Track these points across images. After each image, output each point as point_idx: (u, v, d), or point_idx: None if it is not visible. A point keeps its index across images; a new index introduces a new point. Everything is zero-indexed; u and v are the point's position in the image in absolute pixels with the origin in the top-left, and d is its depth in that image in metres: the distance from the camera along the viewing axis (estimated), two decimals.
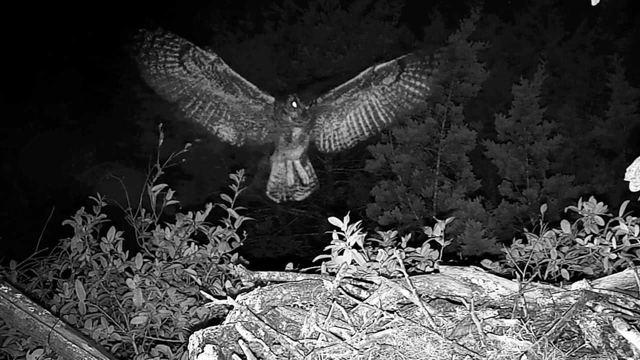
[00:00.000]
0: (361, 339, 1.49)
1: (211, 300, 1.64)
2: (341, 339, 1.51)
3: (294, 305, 1.70)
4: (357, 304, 1.66)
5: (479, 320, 1.52)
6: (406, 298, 1.65)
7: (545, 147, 5.67)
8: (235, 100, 2.75)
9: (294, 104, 2.65)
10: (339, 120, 2.93)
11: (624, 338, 1.46)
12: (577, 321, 1.58)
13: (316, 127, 2.95)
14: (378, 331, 1.52)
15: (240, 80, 2.69)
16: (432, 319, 1.56)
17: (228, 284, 2.28)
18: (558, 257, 2.12)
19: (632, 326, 1.46)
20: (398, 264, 1.78)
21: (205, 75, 2.64)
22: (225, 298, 1.62)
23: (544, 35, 7.23)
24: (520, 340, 1.47)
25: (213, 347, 1.45)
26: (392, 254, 1.87)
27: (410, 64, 2.75)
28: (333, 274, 1.85)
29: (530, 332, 1.52)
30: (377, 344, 1.48)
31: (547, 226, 2.22)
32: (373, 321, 1.59)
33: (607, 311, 1.56)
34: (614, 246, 2.01)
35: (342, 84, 2.79)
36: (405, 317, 1.58)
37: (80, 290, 2.29)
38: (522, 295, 1.67)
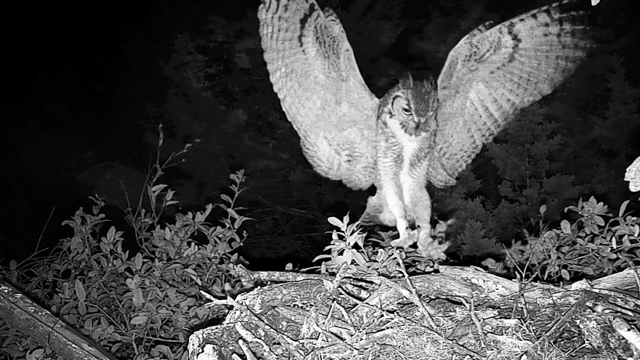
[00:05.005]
0: (361, 339, 1.49)
1: (211, 301, 1.64)
2: (341, 339, 1.50)
3: (294, 305, 1.70)
4: (357, 304, 1.66)
5: (479, 320, 1.52)
6: (406, 298, 1.65)
7: (545, 147, 5.66)
8: (347, 95, 2.03)
9: (406, 105, 1.85)
10: (447, 129, 2.12)
11: (624, 338, 1.46)
12: (577, 321, 1.58)
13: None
14: (378, 331, 1.52)
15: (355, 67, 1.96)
16: (432, 319, 1.56)
17: (227, 285, 2.28)
18: (558, 257, 2.12)
19: (632, 326, 1.46)
20: (398, 264, 1.78)
21: (323, 55, 1.93)
22: (225, 298, 1.62)
23: None
24: (520, 340, 1.47)
25: (213, 347, 1.45)
26: (392, 254, 1.87)
27: (530, 25, 2.06)
28: (333, 274, 1.85)
29: (530, 332, 1.52)
30: (377, 344, 1.48)
31: (547, 226, 2.22)
32: (373, 321, 1.59)
33: (607, 311, 1.56)
34: (614, 246, 2.02)
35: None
36: (405, 317, 1.58)
37: (80, 290, 2.29)
38: (522, 295, 1.67)
